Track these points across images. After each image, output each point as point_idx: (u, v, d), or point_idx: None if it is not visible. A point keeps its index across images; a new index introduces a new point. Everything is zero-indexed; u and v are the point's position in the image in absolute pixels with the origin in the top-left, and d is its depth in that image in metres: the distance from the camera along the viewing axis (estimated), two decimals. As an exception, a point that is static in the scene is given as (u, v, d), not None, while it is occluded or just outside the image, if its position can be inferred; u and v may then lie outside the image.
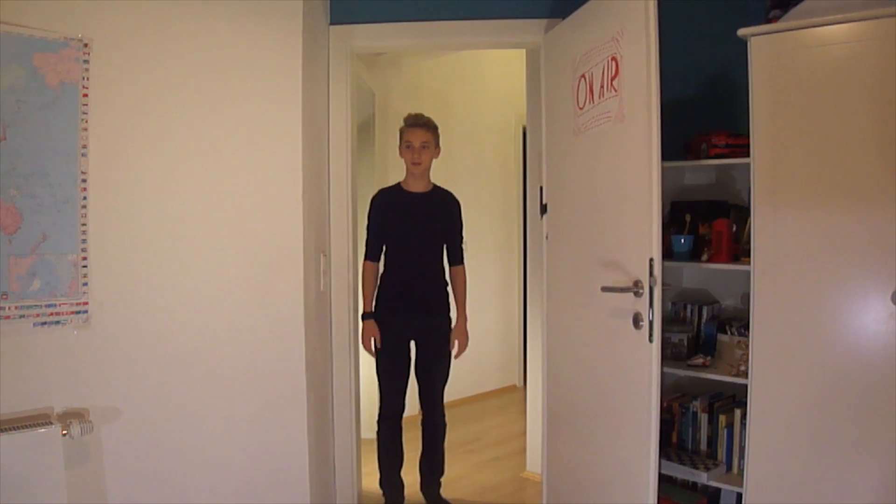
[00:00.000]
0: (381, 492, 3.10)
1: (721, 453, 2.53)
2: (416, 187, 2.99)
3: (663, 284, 2.10)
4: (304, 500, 2.40)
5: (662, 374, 2.64)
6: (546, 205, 2.84)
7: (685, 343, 2.68)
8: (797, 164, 2.09)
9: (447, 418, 3.11)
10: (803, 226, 2.07)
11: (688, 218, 2.69)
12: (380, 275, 3.03)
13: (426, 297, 2.99)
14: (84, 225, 2.02)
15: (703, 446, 2.60)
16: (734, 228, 2.52)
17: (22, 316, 1.92)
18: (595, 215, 2.44)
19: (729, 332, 2.53)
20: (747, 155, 2.21)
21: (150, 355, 2.14)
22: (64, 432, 1.88)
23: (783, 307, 2.11)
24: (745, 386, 2.23)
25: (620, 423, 2.26)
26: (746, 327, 2.28)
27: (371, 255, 2.99)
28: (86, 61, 2.01)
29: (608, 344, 2.34)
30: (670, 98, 2.62)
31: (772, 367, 2.14)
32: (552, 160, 2.81)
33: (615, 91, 2.26)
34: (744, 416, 2.29)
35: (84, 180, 2.01)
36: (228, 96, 2.26)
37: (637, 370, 2.14)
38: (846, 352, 2.00)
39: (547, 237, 2.85)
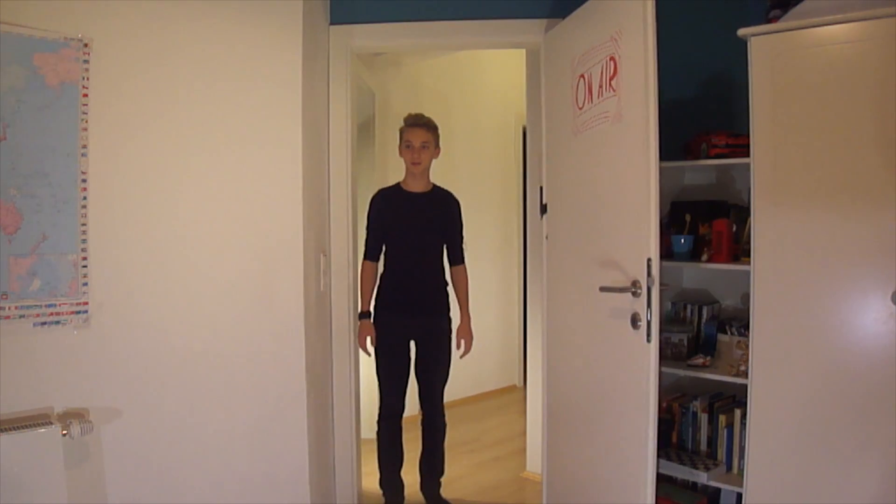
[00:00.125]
0: (381, 492, 3.10)
1: (721, 453, 2.53)
2: (416, 187, 2.99)
3: (661, 284, 2.10)
4: (304, 500, 2.40)
5: (661, 374, 2.64)
6: (546, 205, 2.84)
7: (685, 343, 2.68)
8: (797, 164, 2.09)
9: (447, 418, 3.11)
10: (803, 226, 2.07)
11: (688, 218, 2.69)
12: (379, 275, 3.03)
13: (426, 297, 2.99)
14: (84, 225, 2.02)
15: (703, 446, 2.60)
16: (734, 228, 2.52)
17: (22, 316, 1.92)
18: (594, 215, 2.44)
19: (729, 332, 2.53)
20: (747, 155, 2.21)
21: (150, 355, 2.14)
22: (64, 432, 1.88)
23: (783, 307, 2.11)
24: (745, 386, 2.23)
25: (619, 423, 2.26)
26: (746, 327, 2.28)
27: (370, 255, 2.99)
28: (86, 61, 2.01)
29: (607, 344, 2.34)
30: (670, 98, 2.62)
31: (772, 367, 2.14)
32: (552, 160, 2.81)
33: (614, 91, 2.26)
34: (744, 416, 2.29)
35: (84, 180, 2.01)
36: (228, 96, 2.26)
37: (635, 370, 2.14)
38: (846, 352, 2.00)
39: (547, 237, 2.85)
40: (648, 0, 2.04)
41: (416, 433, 3.12)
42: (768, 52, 2.12)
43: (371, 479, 3.17)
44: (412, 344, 3.03)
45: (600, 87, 2.35)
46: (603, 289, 2.26)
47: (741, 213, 2.58)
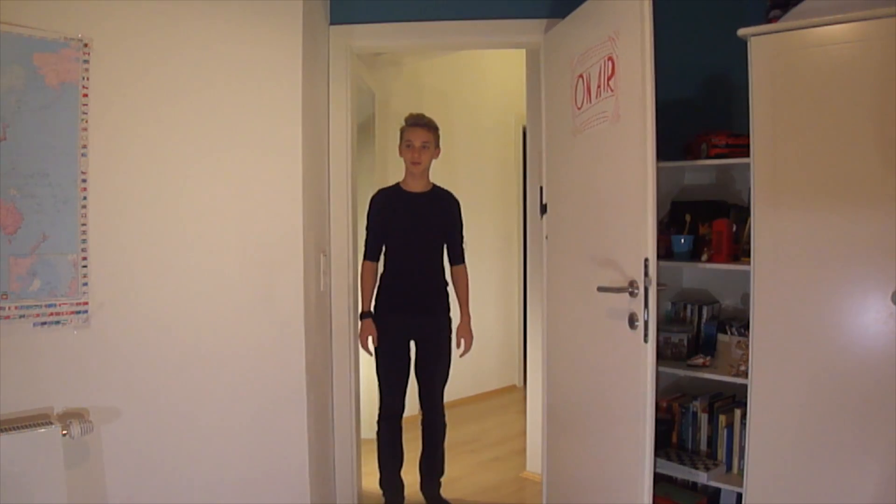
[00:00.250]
0: (381, 492, 3.10)
1: (721, 453, 2.53)
2: (416, 187, 2.99)
3: (659, 285, 2.10)
4: (304, 500, 2.40)
5: (659, 374, 2.64)
6: (546, 205, 2.84)
7: (685, 343, 2.68)
8: (797, 164, 2.09)
9: (447, 418, 3.11)
10: (803, 226, 2.07)
11: (688, 218, 2.69)
12: (379, 275, 3.03)
13: (426, 297, 2.99)
14: (84, 225, 2.01)
15: (703, 446, 2.60)
16: (734, 228, 2.52)
17: (22, 316, 1.92)
18: (593, 215, 2.44)
19: (729, 332, 2.53)
20: (747, 155, 2.21)
21: (150, 355, 2.14)
22: (64, 432, 1.88)
23: (783, 307, 2.11)
24: (745, 386, 2.23)
25: (617, 424, 2.26)
26: (746, 327, 2.28)
27: (370, 255, 2.99)
28: (86, 61, 2.01)
29: (605, 344, 2.34)
30: (670, 98, 2.62)
31: (772, 367, 2.14)
32: (552, 160, 2.81)
33: (611, 91, 2.26)
34: (744, 416, 2.29)
35: (84, 180, 2.01)
36: (228, 96, 2.26)
37: (633, 370, 2.14)
38: (846, 351, 2.00)
39: (547, 237, 2.85)
40: (646, 0, 2.04)
41: (416, 433, 3.12)
42: (768, 52, 2.12)
43: (371, 479, 3.17)
44: (412, 344, 3.03)
45: (598, 87, 2.35)
46: (601, 289, 2.26)
47: (741, 213, 2.58)
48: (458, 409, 4.50)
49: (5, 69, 1.87)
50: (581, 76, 2.48)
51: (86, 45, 2.01)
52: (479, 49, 4.47)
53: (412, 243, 2.97)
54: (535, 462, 3.44)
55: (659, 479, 2.65)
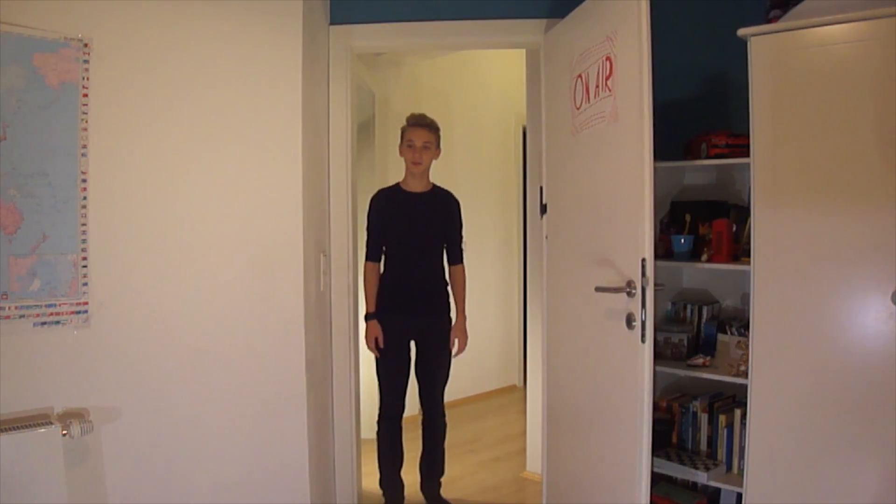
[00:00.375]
0: (381, 492, 3.10)
1: (721, 453, 2.53)
2: (416, 187, 2.99)
3: (656, 285, 2.10)
4: (304, 500, 2.40)
5: (661, 374, 2.65)
6: (546, 205, 2.84)
7: (685, 343, 2.68)
8: (797, 164, 2.09)
9: (447, 418, 3.11)
10: (803, 226, 2.07)
11: (688, 218, 2.69)
12: (380, 275, 3.03)
13: (426, 297, 2.99)
14: (84, 225, 2.02)
15: (703, 446, 2.60)
16: (734, 228, 2.52)
17: (22, 316, 1.92)
18: (591, 216, 2.45)
19: (729, 332, 2.53)
20: (747, 155, 2.21)
21: (150, 355, 2.14)
22: (64, 432, 1.88)
23: (783, 307, 2.11)
24: (745, 386, 2.23)
25: (616, 424, 2.26)
26: (746, 327, 2.28)
27: (372, 256, 2.98)
28: (86, 61, 2.01)
29: (603, 344, 2.34)
30: (670, 98, 2.63)
31: (772, 367, 2.14)
32: (551, 160, 2.81)
33: (609, 91, 2.27)
34: (744, 416, 2.29)
35: (84, 180, 2.01)
36: (228, 96, 2.26)
37: (630, 371, 2.14)
38: (846, 352, 2.00)
39: (547, 237, 2.85)
40: (643, 0, 2.04)
41: (416, 433, 3.12)
42: (768, 52, 2.12)
43: (371, 479, 3.17)
44: (412, 344, 3.03)
45: (597, 87, 2.35)
46: (598, 289, 2.26)
47: (741, 213, 2.58)
48: (458, 409, 4.50)
49: (5, 69, 1.87)
50: (580, 76, 2.48)
51: (86, 45, 2.01)
52: (479, 49, 4.47)
53: (413, 243, 2.97)
54: (535, 462, 3.44)
55: (659, 479, 2.65)
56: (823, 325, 2.04)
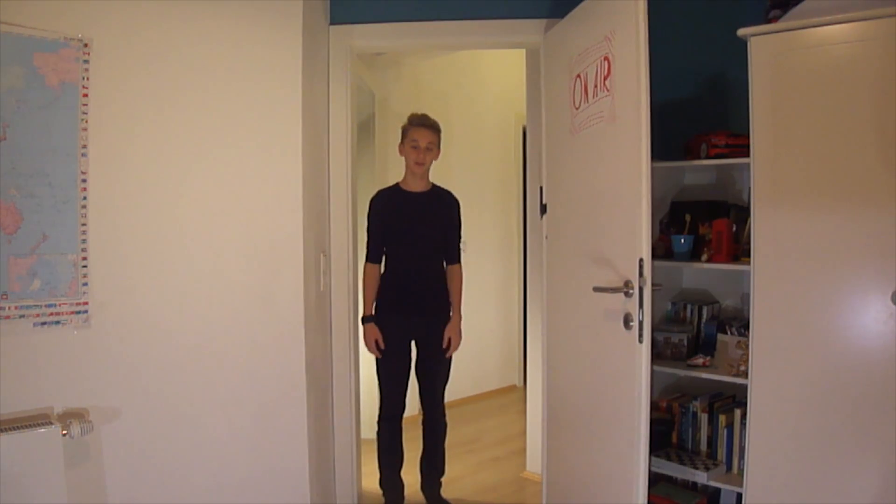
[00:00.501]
0: (381, 492, 3.10)
1: (721, 453, 2.53)
2: (416, 187, 2.99)
3: (654, 285, 2.10)
4: (304, 500, 2.40)
5: (659, 374, 2.65)
6: (546, 205, 2.85)
7: (685, 343, 2.68)
8: (797, 164, 2.09)
9: (447, 418, 3.11)
10: (803, 226, 2.07)
11: (688, 218, 2.69)
12: (380, 275, 3.03)
13: (427, 297, 2.99)
14: (84, 225, 2.02)
15: (703, 446, 2.60)
16: (734, 228, 2.52)
17: (22, 316, 1.92)
18: (590, 216, 2.45)
19: (729, 332, 2.53)
20: (747, 155, 2.21)
21: (150, 355, 2.14)
22: (64, 432, 1.88)
23: (783, 307, 2.11)
24: (745, 386, 2.23)
25: (614, 424, 2.26)
26: (746, 327, 2.28)
27: (372, 258, 2.98)
28: (86, 61, 2.01)
29: (601, 344, 2.34)
30: (670, 98, 2.63)
31: (772, 367, 2.14)
32: (551, 160, 2.81)
33: (607, 91, 2.27)
34: (744, 416, 2.29)
35: (84, 180, 2.01)
36: (228, 96, 2.26)
37: (628, 371, 2.14)
38: (846, 352, 2.00)
39: (546, 237, 2.85)
40: (640, 0, 2.04)
41: (416, 433, 3.12)
42: (768, 52, 2.12)
43: (371, 479, 3.17)
44: (413, 344, 3.03)
45: (595, 87, 2.35)
46: (596, 289, 2.26)
47: (741, 213, 2.58)
48: (458, 409, 4.50)
49: (5, 69, 1.87)
50: (578, 76, 2.48)
51: (86, 45, 2.01)
52: (479, 49, 4.48)
53: (414, 243, 2.97)
54: (535, 462, 3.44)
55: (659, 479, 2.65)
56: (823, 325, 2.04)
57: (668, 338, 2.70)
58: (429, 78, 4.66)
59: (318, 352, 2.66)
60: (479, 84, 5.03)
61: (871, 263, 1.95)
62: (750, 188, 2.20)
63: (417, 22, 2.91)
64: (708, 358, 2.57)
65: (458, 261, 3.09)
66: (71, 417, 1.95)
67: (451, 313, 3.05)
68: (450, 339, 3.01)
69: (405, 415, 3.06)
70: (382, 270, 3.03)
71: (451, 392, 3.20)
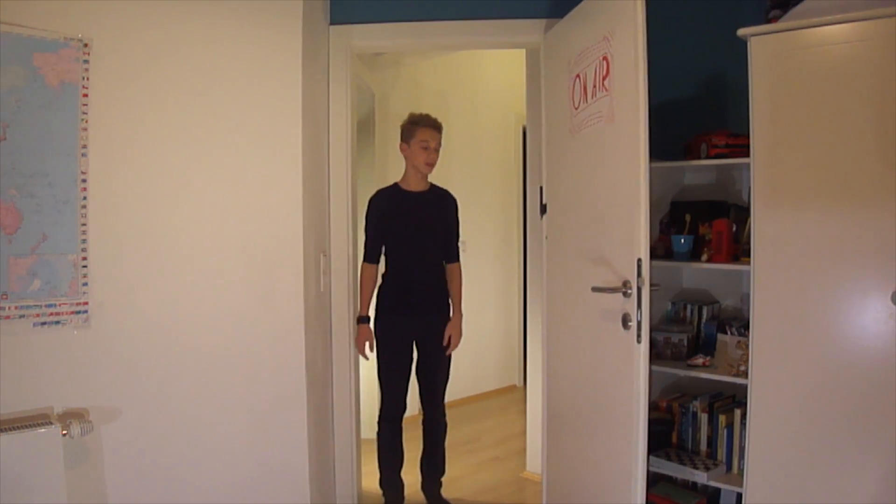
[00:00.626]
0: (381, 492, 3.10)
1: (721, 453, 2.53)
2: (416, 187, 2.99)
3: (652, 285, 2.10)
4: (304, 500, 2.40)
5: (659, 374, 2.65)
6: (545, 205, 2.85)
7: (685, 343, 2.68)
8: (797, 164, 2.09)
9: (447, 418, 3.11)
10: (803, 226, 2.07)
11: (688, 218, 2.69)
12: (380, 275, 3.03)
13: (428, 297, 2.99)
14: (84, 225, 2.02)
15: (703, 446, 2.60)
16: (734, 228, 2.52)
17: (22, 316, 1.92)
18: (589, 216, 2.45)
19: (729, 332, 2.53)
20: (747, 155, 2.21)
21: (150, 355, 2.14)
22: (64, 432, 1.88)
23: (783, 307, 2.11)
24: (745, 386, 2.23)
25: (613, 424, 2.25)
26: (746, 327, 2.28)
27: (370, 258, 2.97)
28: (86, 61, 2.01)
29: (600, 344, 2.34)
30: (670, 98, 2.63)
31: (772, 367, 2.14)
32: (551, 160, 2.81)
33: (606, 91, 2.27)
34: (744, 416, 2.29)
35: (84, 180, 2.01)
36: (228, 96, 2.26)
37: (627, 371, 2.14)
38: (846, 352, 2.00)
39: (546, 237, 2.85)
40: (639, 0, 2.04)
41: (416, 433, 3.12)
42: (768, 52, 2.12)
43: (371, 479, 3.17)
44: (413, 344, 3.03)
45: (594, 87, 2.35)
46: (594, 289, 2.26)
47: (741, 213, 2.58)
48: (458, 409, 4.50)
49: (5, 69, 1.87)
50: (578, 76, 2.48)
51: (86, 45, 2.01)
52: (479, 49, 4.48)
53: (414, 243, 2.97)
54: (535, 462, 3.44)
55: (659, 478, 2.65)
56: (823, 324, 2.04)
57: (668, 338, 2.70)
58: (429, 78, 4.66)
59: (318, 352, 2.66)
60: (478, 84, 5.03)
61: (871, 263, 1.95)
62: (750, 188, 2.20)
63: (417, 22, 2.91)
64: (708, 358, 2.57)
65: (458, 259, 3.09)
66: (71, 417, 1.95)
67: (451, 312, 3.05)
68: (450, 337, 3.02)
69: (405, 415, 3.06)
70: (382, 270, 3.03)
71: (451, 392, 3.20)
